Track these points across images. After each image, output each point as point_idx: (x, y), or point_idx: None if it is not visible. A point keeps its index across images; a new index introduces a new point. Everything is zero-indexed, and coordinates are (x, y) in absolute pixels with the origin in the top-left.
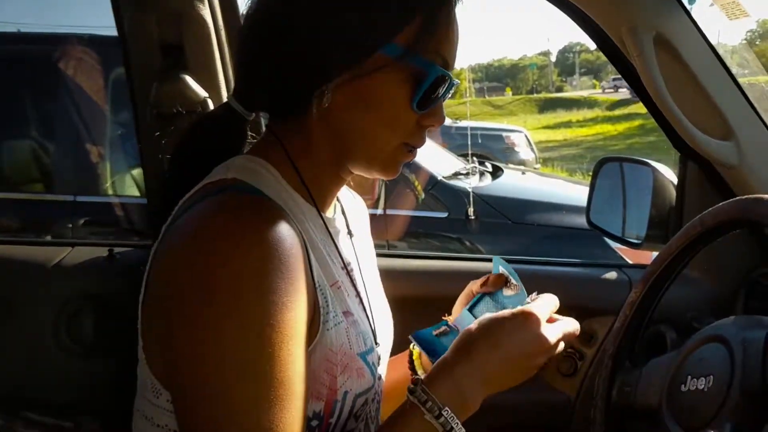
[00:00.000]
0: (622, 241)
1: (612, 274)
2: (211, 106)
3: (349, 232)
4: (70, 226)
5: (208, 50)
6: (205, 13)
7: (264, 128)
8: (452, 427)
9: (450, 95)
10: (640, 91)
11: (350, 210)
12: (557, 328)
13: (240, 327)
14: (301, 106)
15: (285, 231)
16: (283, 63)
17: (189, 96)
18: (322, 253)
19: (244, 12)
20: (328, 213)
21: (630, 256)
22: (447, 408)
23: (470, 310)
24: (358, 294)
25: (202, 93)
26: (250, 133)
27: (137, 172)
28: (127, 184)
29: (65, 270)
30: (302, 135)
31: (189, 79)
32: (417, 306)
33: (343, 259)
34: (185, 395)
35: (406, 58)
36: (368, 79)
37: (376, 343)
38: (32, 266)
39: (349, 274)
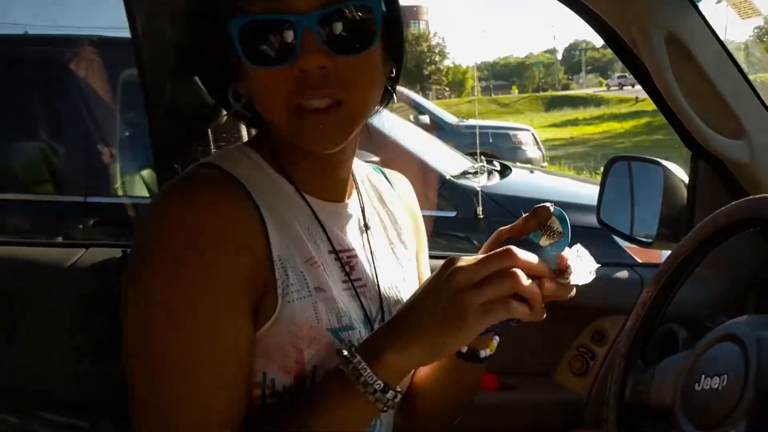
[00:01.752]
0: (632, 239)
1: (623, 273)
2: None
3: (365, 225)
4: (81, 227)
5: None
6: None
7: None
8: (360, 375)
9: (289, 35)
10: (650, 90)
11: (377, 205)
12: (483, 292)
13: (161, 291)
14: (225, 105)
15: (229, 206)
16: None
17: (202, 96)
18: (295, 231)
19: None
20: (333, 199)
21: (640, 255)
22: (360, 360)
23: None
24: (350, 281)
25: None
26: None
27: (147, 172)
28: (137, 185)
29: (80, 271)
30: (280, 140)
31: None
32: None
33: (334, 244)
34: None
35: (223, 30)
36: (239, 71)
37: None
38: (48, 267)
39: (340, 259)
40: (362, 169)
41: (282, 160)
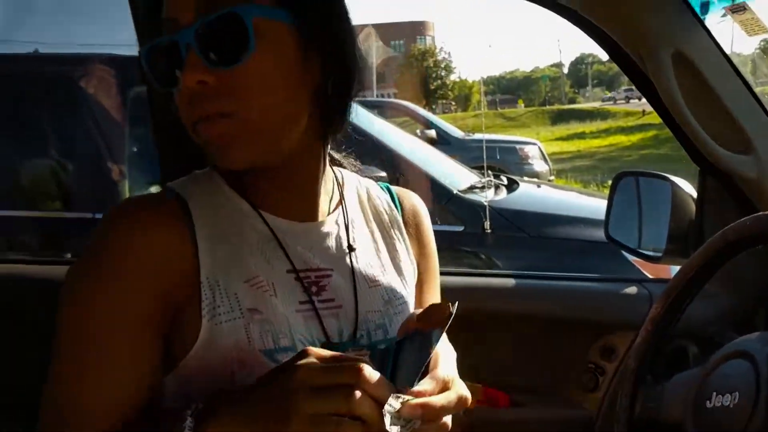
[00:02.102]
0: (640, 255)
1: (632, 289)
2: None
3: (349, 246)
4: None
5: None
6: None
7: None
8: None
9: (178, 54)
10: (657, 105)
11: (376, 226)
12: (315, 403)
13: (78, 309)
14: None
15: (156, 230)
16: None
17: None
18: (237, 250)
19: None
20: (313, 219)
21: (649, 270)
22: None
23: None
24: (310, 301)
25: None
26: None
27: (155, 188)
28: None
29: None
30: None
31: None
32: None
33: (294, 263)
34: None
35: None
36: None
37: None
38: (57, 285)
39: (300, 280)
40: (361, 185)
41: (243, 179)
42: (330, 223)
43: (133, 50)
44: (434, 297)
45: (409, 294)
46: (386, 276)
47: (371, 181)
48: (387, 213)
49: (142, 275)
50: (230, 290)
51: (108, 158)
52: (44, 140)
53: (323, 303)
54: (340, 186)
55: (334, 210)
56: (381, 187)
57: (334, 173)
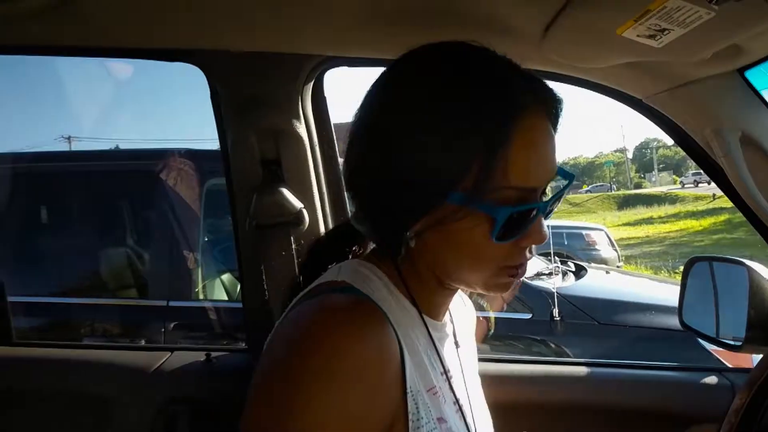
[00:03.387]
0: (719, 343)
1: (712, 379)
2: (306, 217)
3: (456, 342)
4: (163, 330)
5: (304, 165)
6: (301, 130)
7: None
8: None
9: (547, 214)
10: (727, 189)
11: (459, 318)
12: None
13: (302, 422)
14: (390, 248)
15: (382, 338)
16: (372, 209)
17: (286, 207)
18: (421, 358)
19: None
20: (439, 319)
21: (728, 359)
22: None
23: None
24: (456, 401)
25: (298, 204)
26: None
27: (226, 277)
28: (216, 289)
29: (164, 374)
30: (412, 260)
31: (286, 192)
32: (502, 412)
33: (444, 365)
34: None
35: (470, 205)
36: (444, 225)
37: None
38: (133, 370)
39: (448, 381)
40: None
41: (408, 281)
42: (447, 321)
43: (208, 144)
44: None
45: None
46: (476, 367)
47: None
48: (460, 307)
49: (379, 383)
50: (423, 400)
51: (184, 247)
52: (124, 232)
53: (459, 403)
54: None
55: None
56: None
57: None
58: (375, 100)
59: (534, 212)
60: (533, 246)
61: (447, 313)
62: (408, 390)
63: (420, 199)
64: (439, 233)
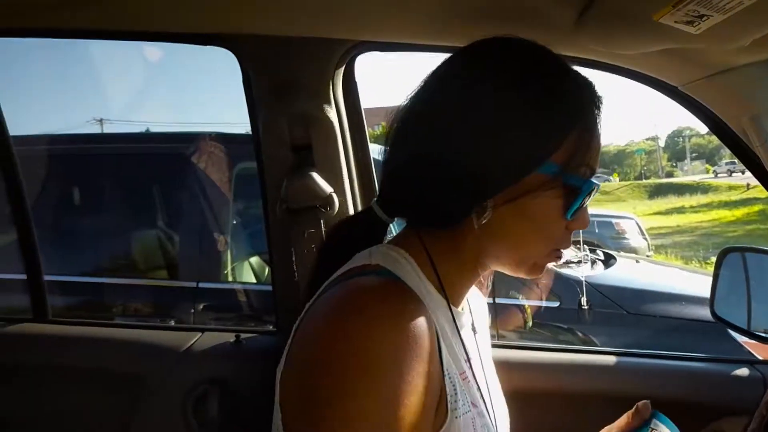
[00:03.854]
0: (750, 335)
1: (743, 371)
2: (336, 202)
3: (473, 328)
4: (193, 311)
5: (334, 149)
6: (332, 115)
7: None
8: None
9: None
10: (763, 179)
11: (475, 307)
12: None
13: (364, 409)
14: (456, 221)
15: (421, 319)
16: (441, 177)
17: (316, 192)
18: (450, 343)
19: (395, 118)
20: (459, 306)
21: (760, 351)
22: None
23: None
24: (479, 388)
25: (328, 189)
26: None
27: (255, 259)
28: (245, 271)
29: (195, 354)
30: (449, 242)
31: (316, 176)
32: (529, 400)
33: (467, 352)
34: None
35: (561, 176)
36: (526, 196)
37: None
38: (165, 350)
39: (471, 367)
40: None
41: (438, 268)
42: (466, 309)
43: (238, 128)
44: None
45: None
46: (490, 355)
47: None
48: (475, 297)
49: (426, 366)
50: (459, 383)
51: (214, 230)
52: (155, 214)
53: (481, 390)
54: None
55: None
56: None
57: None
58: (464, 76)
59: (593, 193)
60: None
61: (465, 301)
62: (445, 372)
63: (515, 167)
64: (515, 206)
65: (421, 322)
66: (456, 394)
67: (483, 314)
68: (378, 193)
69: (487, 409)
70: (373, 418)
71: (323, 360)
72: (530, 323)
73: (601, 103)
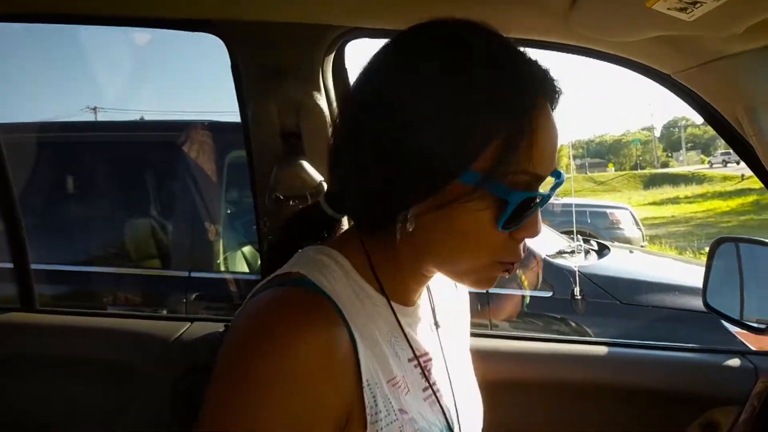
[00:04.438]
0: (743, 325)
1: (735, 361)
2: (326, 190)
3: (435, 323)
4: (185, 300)
5: (324, 137)
6: (322, 102)
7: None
8: None
9: (542, 207)
10: (757, 169)
11: (443, 300)
12: None
13: (243, 423)
14: (383, 227)
15: (328, 334)
16: (366, 185)
17: (306, 180)
18: (381, 349)
19: (336, 118)
20: (409, 304)
21: (752, 342)
22: None
23: None
24: (430, 386)
25: (318, 177)
26: None
27: (247, 249)
28: (238, 261)
29: (184, 344)
30: (387, 245)
31: (306, 165)
32: (522, 391)
33: (415, 350)
34: None
35: (484, 185)
36: (449, 207)
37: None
38: (154, 340)
39: (420, 365)
40: None
41: (376, 267)
42: (423, 303)
43: (230, 117)
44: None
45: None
46: (461, 346)
47: None
48: (446, 289)
49: (325, 381)
50: (383, 391)
51: (206, 219)
52: (147, 202)
53: (434, 386)
54: None
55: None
56: None
57: None
58: (389, 69)
59: (538, 201)
60: (525, 241)
61: (422, 295)
62: (365, 383)
63: (432, 176)
64: (440, 216)
65: (324, 342)
66: (376, 405)
67: (454, 308)
68: (327, 186)
69: (441, 407)
70: (252, 423)
71: (222, 372)
72: (525, 309)
73: (556, 97)
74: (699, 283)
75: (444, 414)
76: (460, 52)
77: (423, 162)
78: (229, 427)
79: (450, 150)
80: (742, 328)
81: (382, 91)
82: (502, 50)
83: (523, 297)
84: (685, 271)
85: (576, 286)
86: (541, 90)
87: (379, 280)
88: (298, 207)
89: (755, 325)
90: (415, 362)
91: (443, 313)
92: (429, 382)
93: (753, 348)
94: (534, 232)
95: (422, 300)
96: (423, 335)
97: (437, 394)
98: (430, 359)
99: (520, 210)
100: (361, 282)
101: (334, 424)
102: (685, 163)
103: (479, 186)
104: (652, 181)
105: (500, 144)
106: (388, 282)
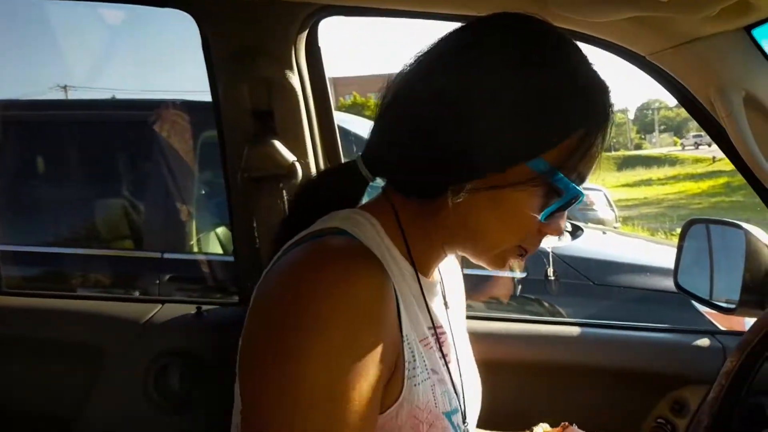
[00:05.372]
0: (712, 305)
1: (704, 341)
2: (299, 170)
3: (445, 303)
4: (158, 282)
5: (297, 116)
6: (294, 81)
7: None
8: None
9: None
10: (728, 151)
11: (448, 280)
12: None
13: (308, 372)
14: (432, 195)
15: (378, 280)
16: (427, 149)
17: (278, 160)
18: (414, 309)
19: (402, 72)
20: (429, 277)
21: (721, 321)
22: None
23: None
24: (443, 357)
25: (291, 157)
26: None
27: (221, 230)
28: (211, 242)
29: (155, 326)
30: (421, 214)
31: (278, 144)
32: (494, 370)
33: (434, 321)
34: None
35: (548, 175)
36: (506, 188)
37: (463, 409)
38: (125, 322)
39: (437, 336)
40: None
41: (408, 236)
42: (437, 281)
43: (203, 96)
44: None
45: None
46: (464, 329)
47: None
48: (450, 270)
49: (382, 323)
50: (418, 349)
51: (178, 200)
52: (118, 182)
53: (447, 358)
54: None
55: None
56: None
57: None
58: (479, 41)
59: (575, 201)
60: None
61: (437, 274)
62: (404, 337)
63: (502, 154)
64: (490, 194)
65: (378, 283)
66: (414, 360)
67: (457, 287)
68: (365, 147)
69: (452, 380)
70: (317, 383)
71: (272, 322)
72: (517, 293)
73: (613, 112)
74: (670, 263)
75: (452, 384)
76: (559, 45)
77: (499, 139)
78: (301, 370)
79: (529, 134)
80: (712, 308)
81: (465, 77)
82: (582, 56)
83: (514, 279)
84: (656, 252)
85: (549, 266)
86: (610, 102)
87: (408, 246)
88: (270, 187)
89: (724, 305)
90: (433, 331)
91: (451, 294)
92: (443, 353)
93: (722, 328)
94: (560, 230)
95: (437, 278)
96: (437, 309)
97: (449, 366)
98: (444, 333)
99: (566, 205)
100: (389, 244)
101: (388, 369)
102: (658, 145)
103: (543, 174)
104: (625, 163)
105: (574, 142)
106: (414, 250)
